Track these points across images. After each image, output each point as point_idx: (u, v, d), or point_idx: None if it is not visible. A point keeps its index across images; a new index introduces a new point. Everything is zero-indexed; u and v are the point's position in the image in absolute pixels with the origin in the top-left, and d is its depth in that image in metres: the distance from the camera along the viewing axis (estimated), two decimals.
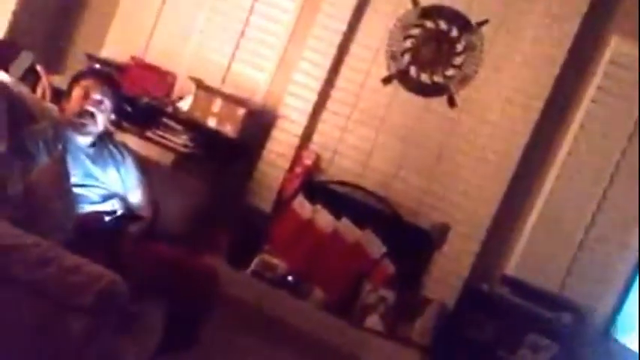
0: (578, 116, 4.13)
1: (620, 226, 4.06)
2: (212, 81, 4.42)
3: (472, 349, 3.90)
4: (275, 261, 3.97)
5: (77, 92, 3.07)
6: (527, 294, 4.00)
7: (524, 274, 4.10)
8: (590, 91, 4.11)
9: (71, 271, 2.08)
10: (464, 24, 4.27)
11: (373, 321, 3.85)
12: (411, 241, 4.14)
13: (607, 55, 4.08)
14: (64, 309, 2.03)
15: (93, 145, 3.10)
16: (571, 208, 4.12)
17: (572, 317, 3.94)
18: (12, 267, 2.07)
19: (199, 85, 4.33)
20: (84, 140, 3.07)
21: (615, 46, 4.07)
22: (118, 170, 3.14)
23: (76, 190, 2.89)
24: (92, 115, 3.04)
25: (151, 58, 4.54)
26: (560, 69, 4.07)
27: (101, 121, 3.08)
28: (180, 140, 4.13)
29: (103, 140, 3.17)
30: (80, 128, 3.04)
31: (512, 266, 4.17)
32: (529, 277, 4.08)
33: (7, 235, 2.15)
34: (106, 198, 3.04)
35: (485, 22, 4.23)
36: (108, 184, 3.07)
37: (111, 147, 3.18)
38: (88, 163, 3.03)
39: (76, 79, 3.14)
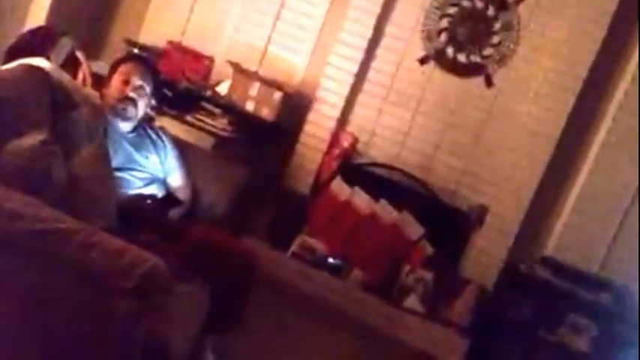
0: (618, 95, 4.06)
1: None
2: (249, 64, 4.44)
3: (511, 329, 3.89)
4: (314, 242, 4.00)
5: (117, 78, 3.12)
6: (567, 275, 3.97)
7: (563, 255, 4.08)
8: (630, 70, 4.04)
9: (115, 255, 2.12)
10: (501, 2, 4.21)
11: (412, 301, 3.87)
12: (449, 223, 4.14)
13: None
14: (108, 292, 2.07)
15: (134, 130, 3.15)
16: (610, 189, 4.07)
17: (612, 297, 3.91)
18: (57, 250, 2.12)
19: (237, 68, 4.35)
20: (125, 126, 3.12)
21: None
22: (159, 155, 3.19)
23: (117, 174, 2.94)
24: (133, 101, 3.09)
25: (189, 43, 4.56)
26: (599, 47, 4.00)
27: (142, 106, 3.13)
28: (220, 124, 4.17)
29: (144, 125, 3.22)
30: (121, 114, 3.09)
31: (551, 247, 4.14)
32: (568, 257, 4.06)
33: (51, 219, 2.20)
34: (147, 182, 3.09)
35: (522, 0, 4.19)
36: (149, 169, 3.12)
37: (151, 132, 3.23)
38: (129, 148, 3.08)
39: (115, 65, 3.19)
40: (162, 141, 3.24)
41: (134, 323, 2.06)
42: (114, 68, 3.17)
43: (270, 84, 4.30)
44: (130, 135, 3.13)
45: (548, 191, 4.13)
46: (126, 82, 3.10)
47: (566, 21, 4.09)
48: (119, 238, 2.20)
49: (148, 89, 3.14)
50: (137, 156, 3.10)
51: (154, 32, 4.60)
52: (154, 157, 3.16)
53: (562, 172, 4.14)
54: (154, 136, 3.22)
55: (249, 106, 4.29)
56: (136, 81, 3.10)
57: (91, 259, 2.10)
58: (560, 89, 4.08)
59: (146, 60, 3.39)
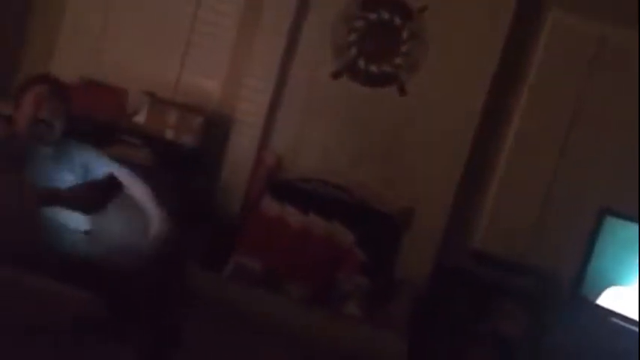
0: (525, 91, 4.26)
1: (574, 192, 4.21)
2: (164, 92, 4.45)
3: (448, 324, 4.00)
4: (249, 262, 4.01)
5: (28, 100, 3.00)
6: (495, 265, 4.11)
7: (490, 246, 4.22)
8: (534, 66, 4.24)
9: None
10: (406, 12, 4.36)
11: (351, 308, 3.91)
12: (379, 228, 4.22)
13: (547, 28, 4.21)
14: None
15: (56, 149, 3.05)
16: (527, 179, 4.25)
17: (541, 281, 4.07)
18: None
19: (152, 98, 4.35)
20: (45, 150, 3.02)
21: (554, 19, 4.20)
22: (88, 163, 3.12)
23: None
24: (48, 124, 3.00)
25: (100, 77, 4.53)
26: (503, 45, 4.19)
27: (58, 127, 3.03)
28: (141, 154, 4.15)
29: (64, 140, 3.12)
30: (38, 139, 3.00)
31: (478, 240, 4.29)
32: (495, 248, 4.20)
33: None
34: None
35: (425, 8, 4.33)
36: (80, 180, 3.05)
37: (73, 144, 3.14)
38: (54, 166, 2.99)
39: (25, 87, 3.05)
40: (87, 150, 3.18)
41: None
42: (23, 91, 3.03)
43: (189, 110, 4.32)
44: (53, 152, 3.04)
45: (469, 186, 4.28)
46: (37, 104, 2.98)
47: (469, 24, 4.25)
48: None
49: (62, 108, 3.05)
50: (64, 172, 3.01)
51: (64, 69, 4.53)
52: (81, 167, 3.09)
53: (481, 166, 4.30)
54: (77, 147, 3.14)
55: (169, 134, 4.30)
56: (50, 101, 3.01)
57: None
58: (471, 90, 4.24)
59: (55, 80, 3.26)
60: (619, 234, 3.79)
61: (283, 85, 4.44)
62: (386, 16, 4.38)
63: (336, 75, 4.41)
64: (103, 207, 2.97)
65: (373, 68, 4.39)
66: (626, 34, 4.10)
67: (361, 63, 4.40)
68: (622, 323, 3.64)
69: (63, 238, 2.87)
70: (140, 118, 4.35)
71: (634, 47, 4.08)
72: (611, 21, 4.12)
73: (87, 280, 2.55)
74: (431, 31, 4.32)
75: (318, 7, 4.41)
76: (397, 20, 4.36)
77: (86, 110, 4.17)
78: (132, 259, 2.92)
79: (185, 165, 4.23)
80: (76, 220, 2.93)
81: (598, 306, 3.74)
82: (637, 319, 3.60)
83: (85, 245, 2.92)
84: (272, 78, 4.41)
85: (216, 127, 4.41)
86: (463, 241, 4.30)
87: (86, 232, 2.97)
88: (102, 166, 3.16)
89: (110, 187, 3.03)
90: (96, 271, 2.72)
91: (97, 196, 2.97)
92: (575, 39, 4.18)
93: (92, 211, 2.94)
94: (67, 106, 3.09)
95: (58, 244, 2.81)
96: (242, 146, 4.41)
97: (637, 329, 3.58)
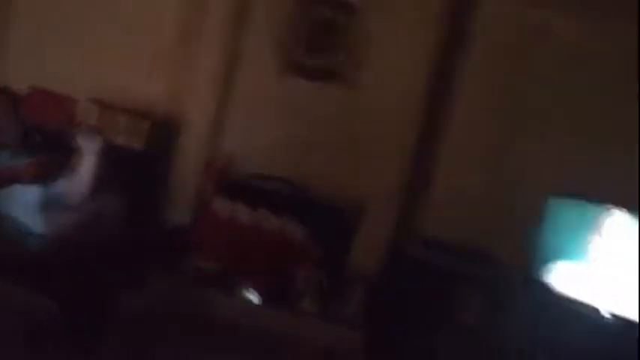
0: (468, 66, 4.31)
1: (520, 176, 4.29)
2: (112, 99, 4.45)
3: (403, 313, 4.05)
4: (205, 263, 4.03)
5: None
6: (448, 252, 4.16)
7: (442, 234, 4.25)
8: (472, 52, 4.29)
9: None
10: (348, 9, 4.41)
11: (308, 303, 3.95)
12: (330, 221, 4.25)
13: (482, 13, 4.27)
14: None
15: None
16: (474, 163, 4.32)
17: (494, 267, 4.13)
18: None
19: (101, 105, 4.36)
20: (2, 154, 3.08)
21: (492, 7, 4.26)
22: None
23: None
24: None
25: (49, 86, 4.52)
26: (440, 34, 4.27)
27: (13, 131, 3.09)
28: None
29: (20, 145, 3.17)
30: None
31: (429, 228, 4.33)
32: (447, 235, 4.23)
33: None
34: None
35: (366, 4, 4.37)
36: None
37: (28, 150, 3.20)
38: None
39: None
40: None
41: None
42: None
43: (137, 115, 4.34)
44: (10, 158, 3.09)
45: (418, 175, 4.34)
46: None
47: (407, 15, 4.33)
48: None
49: (14, 114, 3.12)
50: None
51: (12, 80, 4.53)
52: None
53: (426, 157, 4.34)
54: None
55: (119, 140, 4.31)
56: (1, 107, 3.08)
57: None
58: (413, 77, 4.30)
59: (5, 88, 3.30)
60: (564, 214, 3.86)
61: (230, 84, 4.46)
62: (330, 13, 4.42)
63: (281, 72, 4.45)
64: (55, 175, 3.03)
65: (319, 64, 4.43)
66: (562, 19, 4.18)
67: (306, 60, 4.44)
68: (574, 305, 3.68)
69: (17, 240, 2.92)
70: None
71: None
72: (551, 7, 4.18)
73: (40, 283, 2.61)
74: (373, 26, 4.37)
75: (262, 6, 4.45)
76: (341, 17, 4.41)
77: (37, 119, 4.19)
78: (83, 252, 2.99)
79: (135, 169, 4.23)
80: (32, 222, 2.98)
81: (550, 287, 3.80)
82: (585, 298, 3.67)
83: (39, 247, 2.97)
84: (218, 78, 4.43)
85: (165, 131, 4.43)
86: (415, 231, 4.35)
87: (41, 236, 3.02)
88: None
89: (55, 157, 3.09)
90: (49, 273, 2.78)
91: (43, 166, 3.04)
92: (513, 26, 4.25)
93: (40, 180, 3.00)
94: (18, 114, 3.15)
95: (11, 245, 2.86)
96: (191, 148, 4.45)
97: (586, 310, 3.65)
